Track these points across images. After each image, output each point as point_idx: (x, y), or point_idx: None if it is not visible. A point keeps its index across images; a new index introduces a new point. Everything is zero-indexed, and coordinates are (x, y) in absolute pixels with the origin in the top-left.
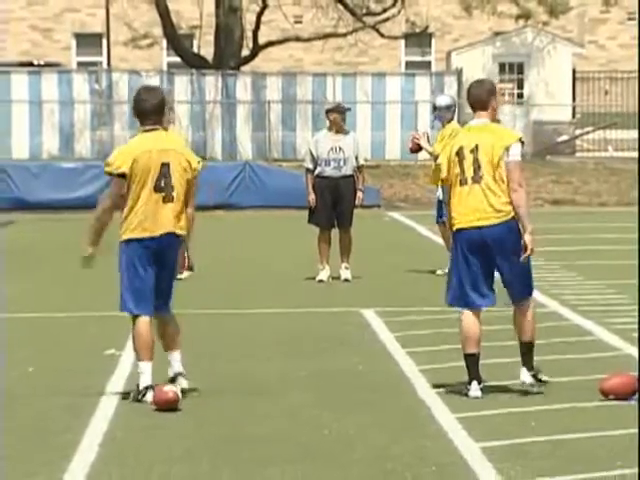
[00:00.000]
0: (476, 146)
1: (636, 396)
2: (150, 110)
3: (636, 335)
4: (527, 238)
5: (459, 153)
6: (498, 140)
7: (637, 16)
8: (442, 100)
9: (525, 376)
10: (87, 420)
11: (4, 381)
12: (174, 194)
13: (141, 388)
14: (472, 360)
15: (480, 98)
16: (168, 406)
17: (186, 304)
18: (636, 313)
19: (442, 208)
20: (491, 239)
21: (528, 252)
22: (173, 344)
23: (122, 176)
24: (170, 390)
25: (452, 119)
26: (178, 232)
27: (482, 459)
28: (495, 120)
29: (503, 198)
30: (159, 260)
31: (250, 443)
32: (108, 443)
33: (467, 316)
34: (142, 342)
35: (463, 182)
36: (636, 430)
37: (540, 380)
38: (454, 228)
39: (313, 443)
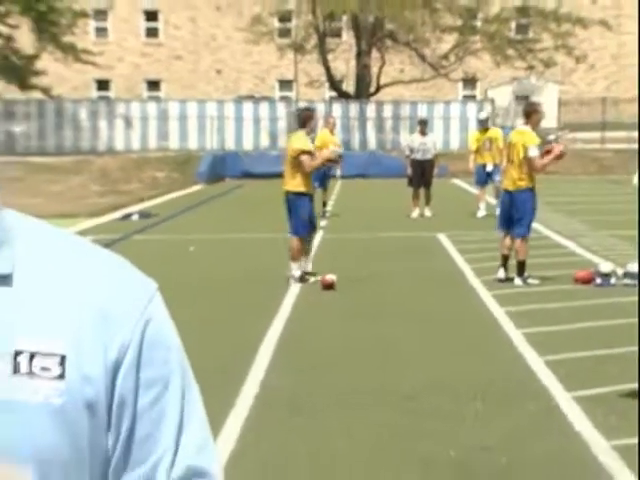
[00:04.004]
0: (516, 142)
1: (594, 282)
2: (299, 119)
3: (597, 249)
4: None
5: (509, 146)
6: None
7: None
8: (482, 115)
9: (517, 281)
10: (283, 297)
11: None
12: (286, 168)
13: (297, 277)
14: (504, 258)
15: (524, 112)
16: (329, 287)
17: (340, 230)
18: (596, 238)
19: (481, 176)
20: (515, 196)
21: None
22: (307, 252)
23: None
24: (330, 277)
25: (488, 127)
26: (288, 189)
27: (506, 319)
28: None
29: (522, 175)
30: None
31: (377, 313)
32: (299, 301)
33: (505, 237)
34: (296, 251)
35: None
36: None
37: (527, 282)
38: (503, 189)
39: (411, 311)
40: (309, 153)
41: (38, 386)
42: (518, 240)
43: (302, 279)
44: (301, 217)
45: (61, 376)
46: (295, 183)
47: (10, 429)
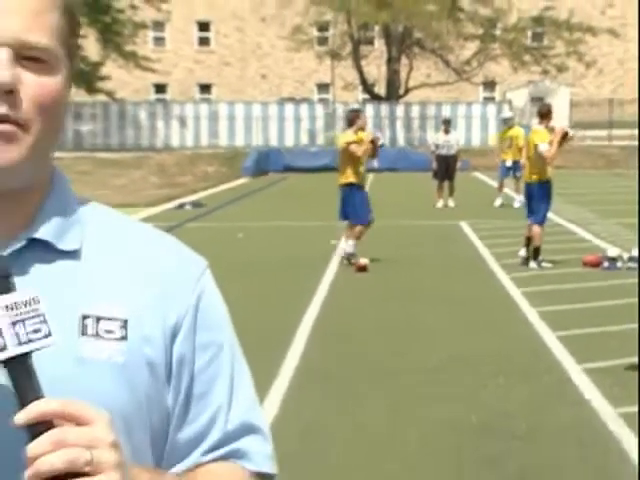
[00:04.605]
0: (529, 140)
1: (602, 265)
2: (347, 120)
3: (605, 235)
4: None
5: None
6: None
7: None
8: (506, 114)
9: (532, 264)
10: (321, 279)
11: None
12: (339, 165)
13: (347, 252)
14: (527, 239)
15: (539, 112)
16: (362, 270)
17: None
18: (604, 225)
19: (502, 170)
20: (532, 189)
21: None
22: (347, 236)
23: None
24: (363, 261)
25: (512, 125)
26: (341, 182)
27: (522, 299)
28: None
29: (535, 170)
30: None
31: (406, 294)
32: (335, 282)
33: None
34: (360, 233)
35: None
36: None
37: (541, 266)
38: (525, 181)
39: (437, 292)
40: (355, 142)
41: (103, 346)
42: (534, 227)
43: (348, 258)
44: (362, 205)
45: (123, 338)
46: (346, 176)
47: (80, 383)
